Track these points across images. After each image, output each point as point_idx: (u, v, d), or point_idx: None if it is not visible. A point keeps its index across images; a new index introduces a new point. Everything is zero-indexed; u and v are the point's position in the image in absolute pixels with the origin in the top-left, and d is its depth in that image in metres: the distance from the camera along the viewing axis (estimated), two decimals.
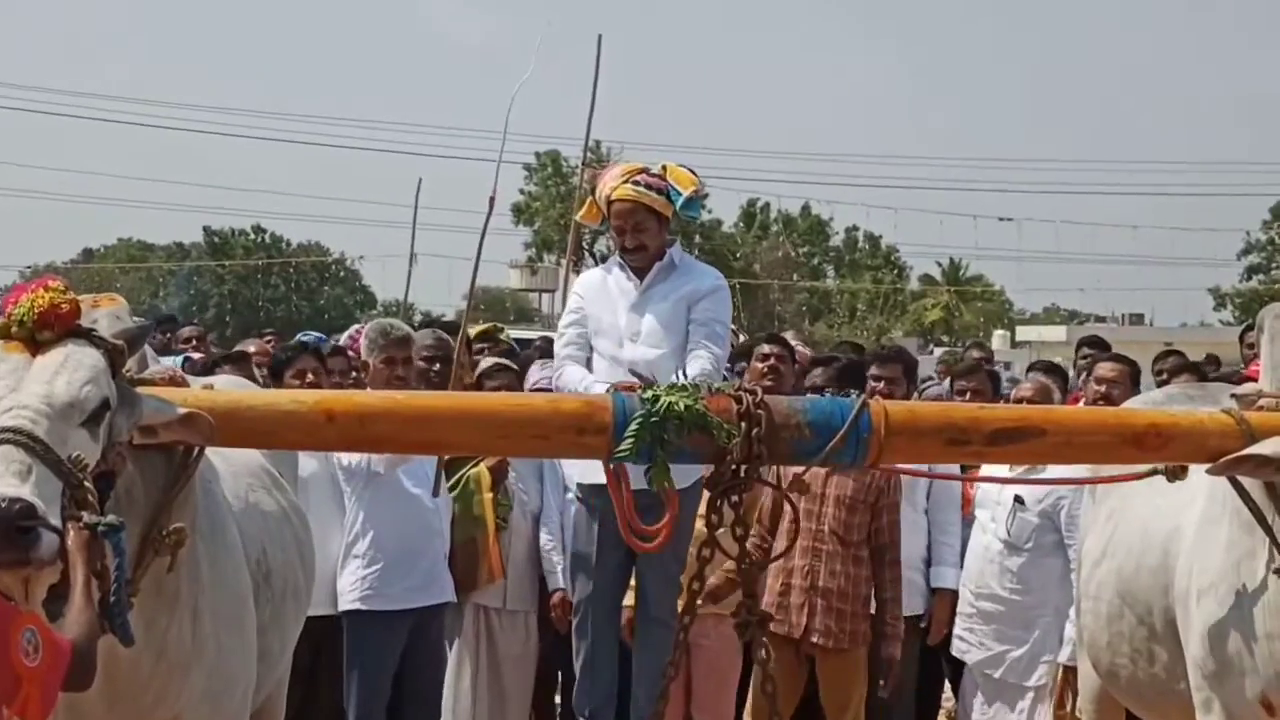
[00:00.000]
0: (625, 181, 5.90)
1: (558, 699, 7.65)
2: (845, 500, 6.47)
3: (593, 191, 6.17)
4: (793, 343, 9.13)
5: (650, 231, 5.92)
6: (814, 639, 6.46)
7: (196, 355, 9.35)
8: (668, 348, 5.84)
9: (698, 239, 60.91)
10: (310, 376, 6.99)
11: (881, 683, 6.53)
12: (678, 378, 4.68)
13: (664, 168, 5.98)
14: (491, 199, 6.66)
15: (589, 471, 5.69)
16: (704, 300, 5.94)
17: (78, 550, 3.41)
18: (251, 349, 9.02)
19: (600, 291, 6.07)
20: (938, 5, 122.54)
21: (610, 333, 5.96)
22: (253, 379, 7.02)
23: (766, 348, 7.51)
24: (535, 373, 7.79)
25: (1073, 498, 6.54)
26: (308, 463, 6.32)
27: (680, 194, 5.92)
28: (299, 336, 9.37)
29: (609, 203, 5.95)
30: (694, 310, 5.91)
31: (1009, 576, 6.72)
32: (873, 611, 6.56)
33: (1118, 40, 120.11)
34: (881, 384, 7.01)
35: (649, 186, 5.89)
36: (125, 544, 3.63)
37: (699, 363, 5.68)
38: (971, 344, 15.22)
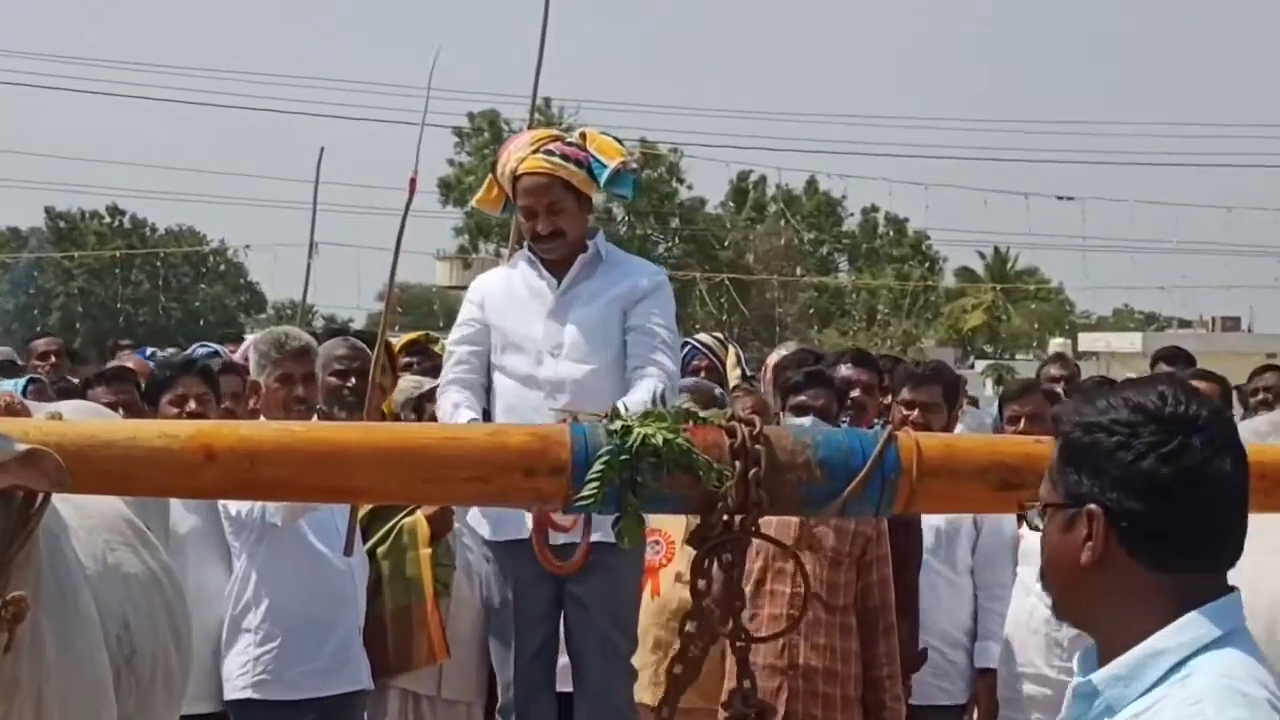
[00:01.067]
0: (536, 151, 5.86)
1: None
2: (827, 554, 6.37)
3: (493, 169, 6.13)
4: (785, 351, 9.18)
5: (568, 213, 5.88)
6: None
7: (44, 376, 9.31)
8: (598, 362, 5.81)
9: (675, 222, 61.14)
10: (193, 404, 6.84)
11: None
12: (624, 407, 4.46)
13: (583, 135, 5.99)
14: (413, 181, 6.59)
15: (501, 525, 5.72)
16: (643, 301, 5.90)
17: None
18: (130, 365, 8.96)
19: (505, 296, 6.03)
20: None
21: (523, 346, 5.92)
22: (130, 406, 6.99)
23: (845, 369, 7.42)
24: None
25: None
26: (186, 514, 6.30)
27: (605, 166, 5.87)
28: (195, 348, 9.28)
29: (515, 178, 5.90)
30: (631, 314, 5.87)
31: (1058, 650, 6.70)
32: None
33: None
34: (915, 411, 7.01)
35: (565, 157, 5.84)
36: None
37: (648, 384, 5.63)
38: (1052, 356, 15.22)
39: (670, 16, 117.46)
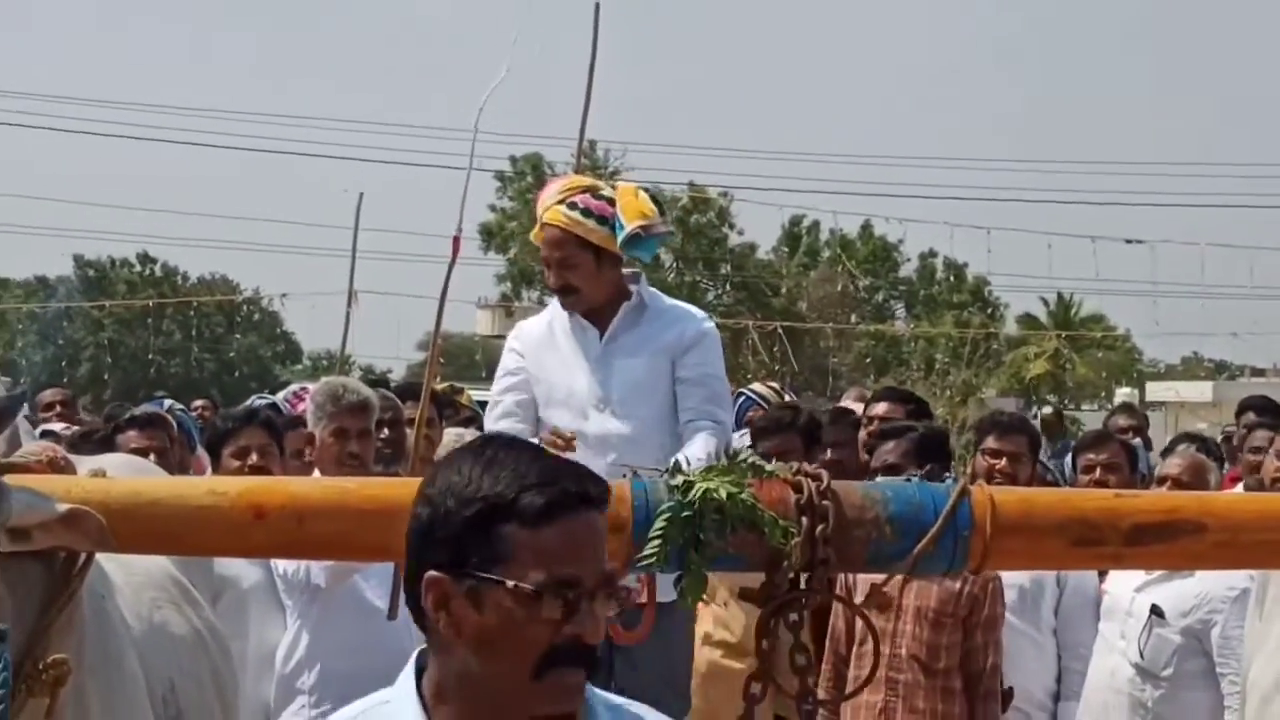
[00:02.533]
0: (560, 202, 5.86)
1: None
2: (928, 614, 6.36)
3: (537, 209, 6.13)
4: (851, 404, 9.15)
5: (582, 270, 5.88)
6: None
7: (59, 427, 9.32)
8: (646, 416, 5.81)
9: (725, 269, 61.08)
10: (255, 456, 6.82)
11: None
12: (685, 462, 4.52)
13: (616, 188, 5.95)
14: (456, 240, 6.54)
15: None
16: (691, 351, 5.89)
17: None
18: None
19: (546, 346, 6.04)
20: None
21: (568, 401, 5.92)
22: (162, 454, 6.98)
23: (993, 441, 7.30)
24: None
25: (1229, 612, 6.52)
26: (249, 569, 6.30)
27: (623, 228, 5.81)
28: (254, 399, 9.28)
29: (541, 226, 5.93)
30: (679, 365, 5.85)
31: (1142, 712, 6.68)
32: None
33: None
34: (1003, 460, 6.99)
35: (588, 212, 5.83)
36: (8, 659, 3.66)
37: (702, 438, 5.61)
38: (1120, 406, 15.23)
39: (720, 58, 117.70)
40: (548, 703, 2.65)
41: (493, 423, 6.14)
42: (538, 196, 6.08)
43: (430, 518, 2.71)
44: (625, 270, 5.95)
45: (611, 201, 5.84)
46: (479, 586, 2.62)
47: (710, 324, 6.16)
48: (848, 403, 9.29)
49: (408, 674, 2.79)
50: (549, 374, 5.95)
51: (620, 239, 5.81)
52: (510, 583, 2.59)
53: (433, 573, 2.66)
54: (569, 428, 5.80)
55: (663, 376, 5.85)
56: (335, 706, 6.37)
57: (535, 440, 5.99)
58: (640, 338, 5.89)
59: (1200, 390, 48.11)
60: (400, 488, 4.83)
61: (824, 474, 4.36)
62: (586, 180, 6.02)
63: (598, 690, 2.89)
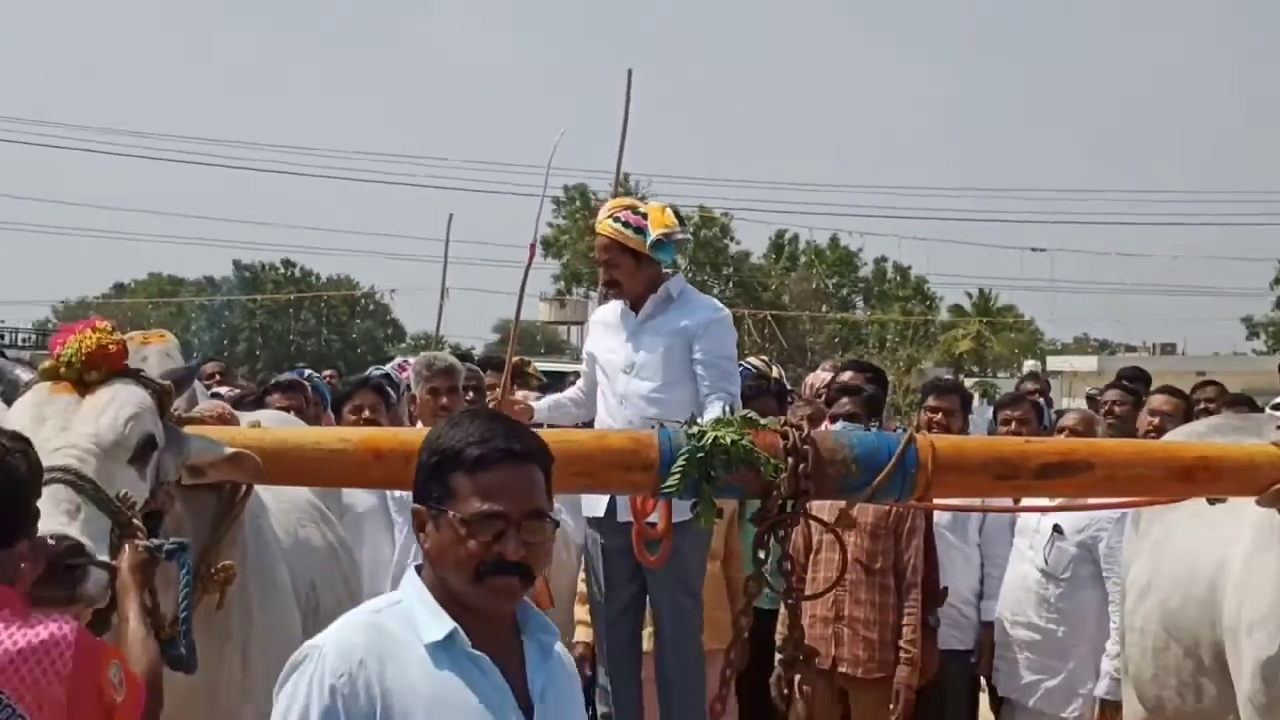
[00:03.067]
0: (608, 217, 5.85)
1: None
2: (868, 528, 6.33)
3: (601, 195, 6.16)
4: (824, 373, 9.11)
5: (623, 268, 5.81)
6: (843, 669, 6.37)
7: (224, 390, 9.33)
8: (662, 380, 5.70)
9: (727, 271, 60.98)
10: (367, 413, 6.85)
11: (891, 706, 6.40)
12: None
13: (648, 206, 5.93)
14: (532, 247, 6.60)
15: (592, 505, 5.69)
16: (704, 336, 5.79)
17: (131, 579, 3.43)
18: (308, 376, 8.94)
19: (605, 325, 6.01)
20: (967, 41, 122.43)
21: (609, 366, 5.87)
22: (301, 411, 6.98)
23: (933, 400, 7.28)
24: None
25: (1112, 530, 6.48)
26: (364, 497, 6.32)
27: (649, 235, 5.79)
28: (371, 370, 9.25)
29: (596, 236, 5.93)
30: (696, 348, 5.76)
31: (1045, 606, 6.64)
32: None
33: (1147, 74, 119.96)
34: (939, 415, 6.97)
35: (627, 224, 5.78)
36: (191, 565, 3.67)
37: (716, 409, 5.41)
38: (1028, 375, 15.16)
39: (725, 109, 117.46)
40: (487, 600, 2.75)
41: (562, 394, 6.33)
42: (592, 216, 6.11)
43: (418, 464, 2.85)
44: (665, 270, 5.94)
45: (645, 216, 5.82)
46: (437, 515, 2.75)
47: (723, 314, 6.03)
48: (821, 372, 9.21)
49: (411, 578, 2.84)
50: (599, 347, 5.94)
51: (648, 241, 5.78)
52: (452, 513, 2.72)
53: (415, 505, 2.82)
54: (608, 387, 5.83)
55: (680, 352, 5.75)
56: None
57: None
58: (665, 321, 5.81)
59: (1088, 363, 47.92)
60: None
61: (805, 425, 4.39)
62: (628, 200, 6.06)
63: (537, 610, 2.96)
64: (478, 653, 2.73)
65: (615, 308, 5.96)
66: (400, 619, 2.75)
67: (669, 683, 5.78)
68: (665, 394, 5.60)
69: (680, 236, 5.89)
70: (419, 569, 2.85)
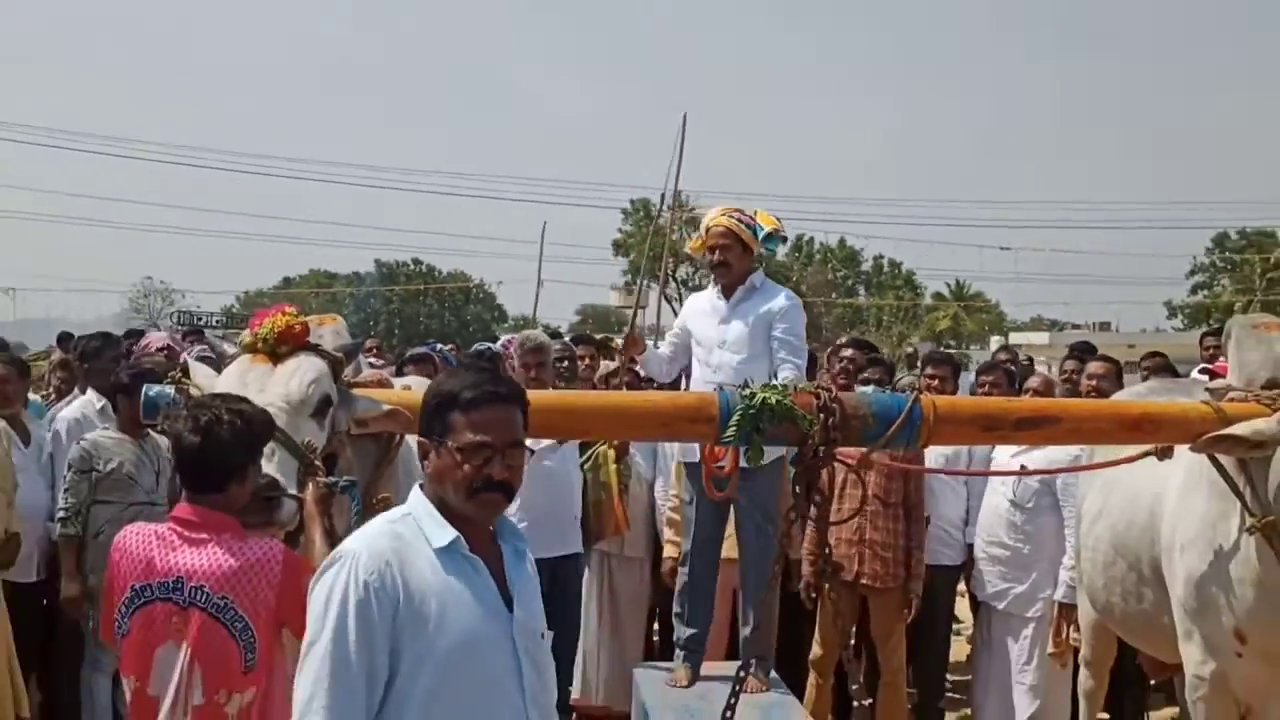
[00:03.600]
0: (723, 215, 5.73)
1: (656, 625, 7.49)
2: (884, 470, 6.22)
3: (696, 226, 5.99)
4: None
5: (734, 253, 5.68)
6: (864, 581, 6.32)
7: (378, 361, 9.37)
8: (748, 354, 5.58)
9: (758, 265, 60.85)
10: None
11: (906, 611, 6.39)
12: (751, 381, 4.43)
13: (754, 212, 5.80)
14: (630, 332, 6.11)
15: (688, 453, 5.65)
16: (783, 319, 5.67)
17: (316, 509, 3.46)
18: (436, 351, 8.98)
19: (698, 309, 5.88)
20: (940, 82, 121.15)
21: (704, 341, 5.75)
22: (433, 378, 7.00)
23: (930, 369, 7.22)
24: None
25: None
26: None
27: (762, 230, 5.73)
28: (476, 346, 9.29)
29: (708, 229, 5.76)
30: (774, 327, 5.64)
31: (1014, 529, 6.58)
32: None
33: (1085, 103, 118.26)
34: (935, 381, 6.92)
35: (740, 220, 5.70)
36: (359, 497, 3.70)
37: (786, 372, 5.44)
38: (1001, 348, 15.00)
39: (756, 140, 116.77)
40: (478, 512, 2.73)
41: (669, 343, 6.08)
42: (706, 216, 5.89)
43: (423, 406, 2.83)
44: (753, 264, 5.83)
45: (754, 216, 5.74)
46: (439, 445, 2.73)
47: (796, 301, 5.84)
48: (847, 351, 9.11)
49: (417, 494, 2.79)
50: (696, 325, 5.80)
51: (761, 235, 5.71)
52: (450, 443, 2.70)
53: (420, 438, 2.81)
54: (703, 359, 5.71)
55: (762, 331, 5.62)
56: (529, 526, 6.48)
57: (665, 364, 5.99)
58: (751, 306, 5.67)
59: (1042, 338, 47.18)
60: (584, 398, 4.86)
61: (833, 388, 4.35)
62: (735, 207, 5.90)
63: (511, 522, 2.95)
64: (474, 556, 2.71)
65: (709, 295, 5.83)
66: (411, 528, 2.71)
67: (750, 581, 5.65)
68: (750, 364, 5.46)
69: (783, 233, 5.86)
70: (422, 487, 2.81)
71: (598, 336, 9.13)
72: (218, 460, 3.21)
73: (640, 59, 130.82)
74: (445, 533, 2.68)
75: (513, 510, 6.36)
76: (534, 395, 4.74)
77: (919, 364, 7.57)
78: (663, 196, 6.13)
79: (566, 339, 8.76)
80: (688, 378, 5.98)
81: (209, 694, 3.03)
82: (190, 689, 3.11)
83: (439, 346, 9.84)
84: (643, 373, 6.34)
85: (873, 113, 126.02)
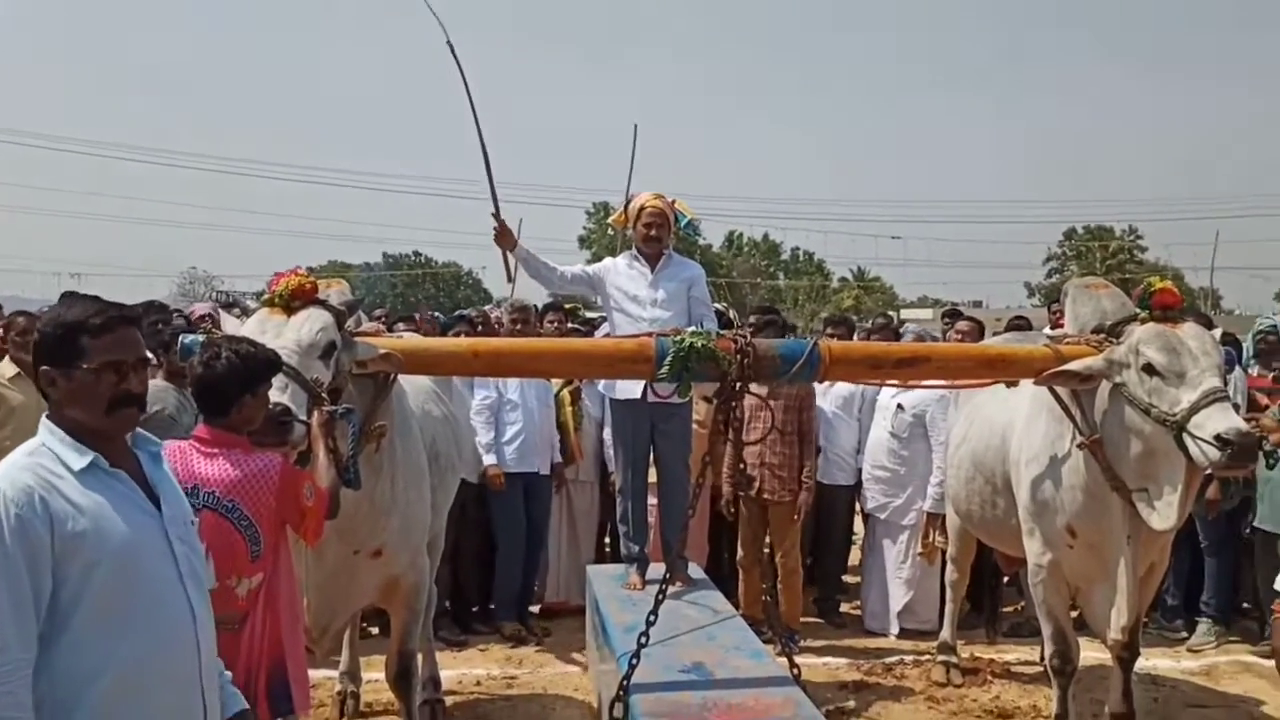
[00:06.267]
0: (656, 198, 5.67)
1: (607, 540, 7.48)
2: (782, 405, 6.26)
3: (625, 207, 5.86)
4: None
5: (665, 230, 5.62)
6: (765, 496, 6.34)
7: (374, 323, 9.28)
8: (675, 310, 5.52)
9: (696, 256, 60.84)
10: (463, 336, 6.81)
11: (796, 518, 6.39)
12: (685, 330, 4.39)
13: (673, 200, 5.76)
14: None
15: (620, 390, 5.57)
16: (697, 284, 5.65)
17: (320, 431, 3.46)
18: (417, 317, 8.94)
19: (623, 272, 5.67)
20: (844, 96, 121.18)
21: (635, 298, 5.59)
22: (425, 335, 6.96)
23: (830, 330, 7.34)
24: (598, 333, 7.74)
25: (934, 406, 6.51)
26: (462, 383, 6.26)
27: (684, 217, 5.71)
28: (458, 312, 9.26)
29: (640, 209, 5.65)
30: (692, 289, 5.61)
31: (892, 454, 6.68)
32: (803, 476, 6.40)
33: (958, 119, 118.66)
34: (835, 337, 7.00)
35: (671, 207, 5.67)
36: (358, 422, 3.69)
37: (708, 324, 5.43)
38: (878, 314, 15.21)
39: (691, 145, 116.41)
40: (117, 426, 2.42)
41: (575, 268, 5.85)
42: (632, 200, 5.73)
43: (43, 337, 2.44)
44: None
45: (672, 205, 5.67)
46: (68, 371, 2.38)
47: (702, 270, 5.82)
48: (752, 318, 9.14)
49: (47, 425, 2.41)
50: (622, 283, 5.61)
51: (683, 222, 5.68)
52: (86, 365, 2.37)
53: (45, 368, 2.40)
54: (635, 314, 5.52)
55: (682, 293, 5.56)
56: (513, 436, 6.49)
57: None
58: (673, 272, 5.60)
59: (927, 314, 47.50)
60: (543, 343, 4.86)
61: (748, 334, 4.37)
62: (659, 194, 5.70)
63: (141, 431, 2.56)
64: (116, 470, 2.40)
65: (630, 262, 5.69)
66: (48, 458, 2.35)
67: (669, 497, 5.65)
68: (676, 318, 5.41)
69: (697, 221, 5.80)
70: (49, 417, 2.42)
71: (566, 306, 9.05)
72: (217, 388, 3.22)
73: (602, 77, 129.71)
74: (83, 456, 2.36)
75: (504, 421, 6.45)
76: (510, 342, 4.78)
77: (824, 325, 7.75)
78: (628, 195, 6.01)
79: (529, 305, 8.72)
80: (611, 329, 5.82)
81: (221, 579, 3.04)
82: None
83: (434, 314, 9.83)
84: (520, 268, 5.77)
85: (790, 125, 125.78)
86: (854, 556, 7.53)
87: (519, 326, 6.51)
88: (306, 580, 3.92)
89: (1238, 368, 6.65)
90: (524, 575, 6.80)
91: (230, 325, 3.96)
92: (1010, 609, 6.99)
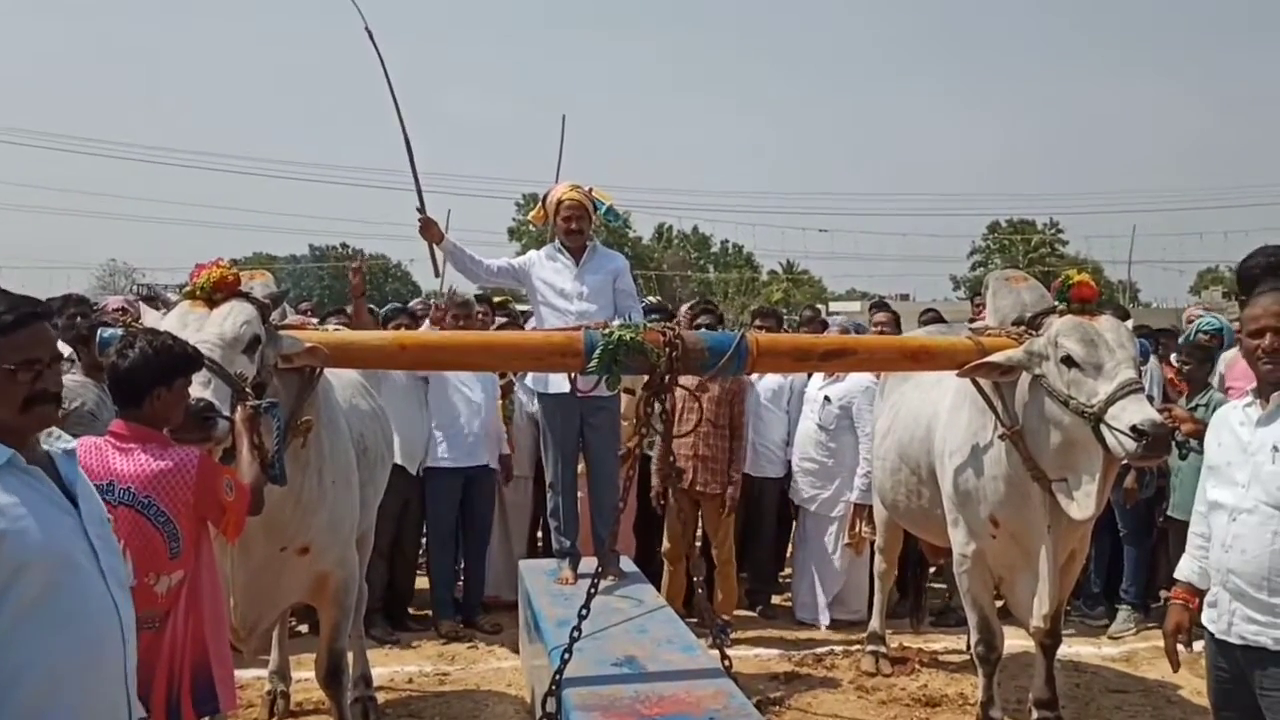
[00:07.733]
0: (573, 189, 5.64)
1: (539, 535, 7.49)
2: (714, 398, 6.32)
3: (543, 201, 5.83)
4: (686, 310, 9.14)
5: (585, 222, 5.60)
6: (698, 488, 6.38)
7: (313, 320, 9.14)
8: (600, 303, 5.52)
9: (626, 249, 60.84)
10: (401, 328, 6.60)
11: (723, 510, 6.45)
12: (613, 324, 4.44)
13: (590, 188, 5.70)
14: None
15: (553, 384, 5.57)
16: (622, 276, 5.64)
17: (244, 426, 3.41)
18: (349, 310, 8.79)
19: (548, 265, 5.66)
20: (783, 93, 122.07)
21: (561, 292, 5.57)
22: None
23: (759, 322, 7.37)
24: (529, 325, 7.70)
25: (860, 397, 6.58)
26: (399, 377, 6.23)
27: (603, 204, 5.66)
28: (389, 305, 9.12)
29: (559, 203, 5.62)
30: (618, 281, 5.60)
31: (820, 446, 6.73)
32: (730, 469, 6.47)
33: (886, 118, 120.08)
34: (764, 329, 7.03)
35: (589, 196, 5.63)
36: (283, 417, 3.65)
37: (636, 316, 5.42)
38: (807, 307, 15.36)
39: (624, 138, 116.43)
40: (33, 424, 2.34)
41: (500, 260, 5.82)
42: (548, 194, 5.71)
43: None
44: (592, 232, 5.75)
45: (589, 193, 5.63)
46: None
47: (626, 262, 5.83)
48: (684, 310, 9.19)
49: None
50: (548, 276, 5.58)
51: (603, 209, 5.65)
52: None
53: None
54: (562, 307, 5.51)
55: (608, 285, 5.56)
56: (447, 435, 6.45)
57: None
58: (598, 264, 5.60)
59: (854, 306, 48.04)
60: (472, 336, 4.83)
61: (677, 327, 4.39)
62: (575, 184, 5.69)
63: (62, 433, 2.49)
64: (32, 467, 2.32)
65: (553, 255, 5.67)
66: None
67: (600, 492, 5.68)
68: (603, 311, 5.42)
69: (617, 208, 5.78)
70: None
71: (496, 299, 8.98)
72: (130, 380, 3.16)
73: (528, 72, 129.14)
74: None
75: (441, 421, 6.40)
76: (438, 335, 4.74)
77: (752, 318, 7.78)
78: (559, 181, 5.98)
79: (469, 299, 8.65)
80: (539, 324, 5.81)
81: (140, 576, 2.98)
82: None
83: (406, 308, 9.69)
84: (447, 262, 5.75)
85: (722, 117, 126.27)
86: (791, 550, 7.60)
87: (461, 324, 6.41)
88: (233, 578, 3.87)
89: (1153, 359, 6.84)
90: (471, 571, 6.76)
91: (151, 318, 3.89)
92: (938, 599, 7.11)
